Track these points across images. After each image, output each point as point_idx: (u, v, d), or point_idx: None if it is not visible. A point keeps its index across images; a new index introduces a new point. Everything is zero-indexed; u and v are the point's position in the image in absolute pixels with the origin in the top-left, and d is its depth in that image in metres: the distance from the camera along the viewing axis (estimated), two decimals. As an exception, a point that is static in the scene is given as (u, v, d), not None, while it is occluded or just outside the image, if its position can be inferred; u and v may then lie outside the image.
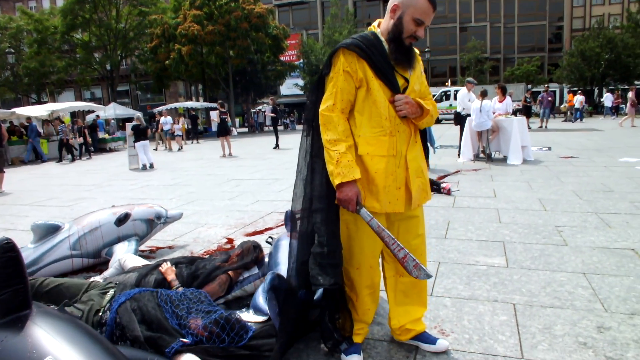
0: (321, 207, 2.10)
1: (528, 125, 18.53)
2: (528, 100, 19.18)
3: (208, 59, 30.70)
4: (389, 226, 2.18)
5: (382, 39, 2.05)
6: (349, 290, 2.23)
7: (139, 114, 15.14)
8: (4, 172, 9.79)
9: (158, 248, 4.46)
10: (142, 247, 4.43)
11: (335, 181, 1.95)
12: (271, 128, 19.22)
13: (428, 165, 8.20)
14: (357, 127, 2.05)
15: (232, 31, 28.90)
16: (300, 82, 37.54)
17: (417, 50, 2.21)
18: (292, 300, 2.20)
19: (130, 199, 7.44)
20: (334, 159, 1.96)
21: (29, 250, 3.80)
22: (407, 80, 2.05)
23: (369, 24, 2.34)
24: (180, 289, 2.84)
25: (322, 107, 2.04)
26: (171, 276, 3.01)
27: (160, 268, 3.12)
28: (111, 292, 2.77)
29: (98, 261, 3.98)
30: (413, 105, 2.03)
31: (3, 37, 32.25)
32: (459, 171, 8.08)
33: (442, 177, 7.39)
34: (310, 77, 35.83)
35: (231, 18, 28.60)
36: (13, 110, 19.62)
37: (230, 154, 14.41)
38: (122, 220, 4.06)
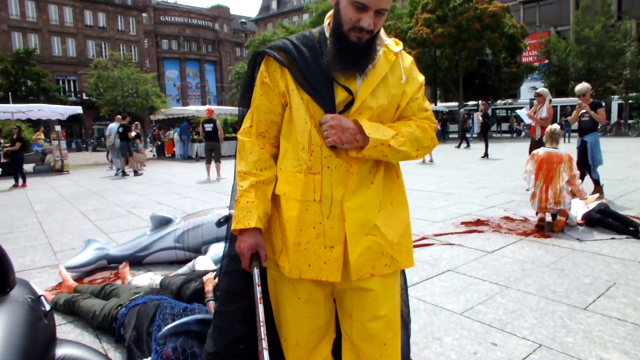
0: (226, 254, 1.63)
1: None
2: None
3: (440, 63, 30.38)
4: (339, 295, 1.53)
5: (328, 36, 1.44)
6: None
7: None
8: (220, 162, 11.52)
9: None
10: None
11: (232, 226, 1.46)
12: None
13: (601, 192, 6.18)
14: (280, 158, 1.50)
15: (463, 32, 27.73)
16: (540, 85, 33.44)
17: (395, 44, 1.48)
18: None
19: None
20: (236, 197, 1.48)
21: (145, 236, 4.24)
22: (350, 93, 1.38)
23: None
24: (213, 303, 2.77)
25: (241, 128, 1.56)
26: (208, 287, 2.92)
27: (203, 277, 3.06)
28: (140, 293, 2.86)
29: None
30: (344, 130, 1.35)
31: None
32: (700, 209, 5.74)
33: (663, 216, 5.35)
34: (553, 78, 31.59)
35: (463, 19, 27.42)
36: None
37: (431, 161, 13.79)
38: (222, 222, 4.12)
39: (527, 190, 6.43)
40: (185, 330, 1.98)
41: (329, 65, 1.37)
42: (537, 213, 4.96)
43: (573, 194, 5.15)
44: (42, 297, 2.26)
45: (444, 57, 30.21)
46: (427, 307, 2.98)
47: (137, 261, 4.12)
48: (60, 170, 15.23)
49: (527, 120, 7.67)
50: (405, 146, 1.42)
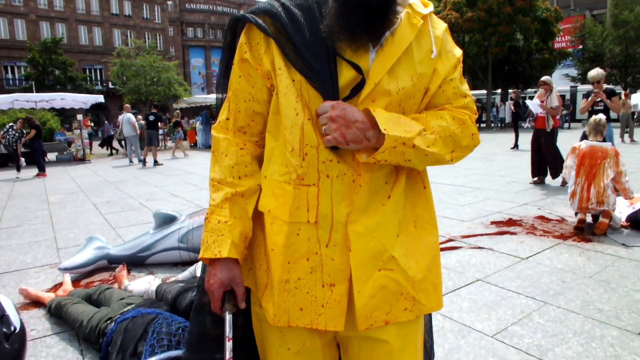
0: (199, 284, 1.30)
1: None
2: None
3: (469, 49, 29.40)
4: (343, 342, 1.17)
5: None
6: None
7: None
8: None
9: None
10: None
11: (200, 253, 1.12)
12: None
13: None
14: (265, 162, 1.13)
15: (493, 17, 26.67)
16: (573, 72, 32.01)
17: (422, 5, 1.09)
18: None
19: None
20: (206, 215, 1.14)
21: (147, 235, 3.97)
22: (360, 71, 0.99)
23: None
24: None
25: (216, 121, 1.21)
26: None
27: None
28: (129, 307, 2.58)
29: (205, 258, 3.86)
30: (350, 124, 0.97)
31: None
32: None
33: None
34: (587, 65, 30.21)
35: (493, 2, 26.36)
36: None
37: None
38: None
39: (564, 185, 5.95)
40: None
41: (331, 32, 0.98)
42: (576, 213, 4.48)
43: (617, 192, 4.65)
44: (8, 316, 1.99)
45: (472, 42, 29.19)
46: (454, 327, 2.60)
47: (139, 262, 3.86)
48: (82, 160, 15.27)
49: (537, 111, 7.25)
50: (436, 146, 1.03)
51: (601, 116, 4.58)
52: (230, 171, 1.12)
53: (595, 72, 6.47)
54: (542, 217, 5.03)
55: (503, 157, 11.83)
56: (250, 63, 1.09)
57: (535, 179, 7.31)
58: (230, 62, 1.17)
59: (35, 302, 3.23)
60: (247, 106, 1.12)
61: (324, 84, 0.99)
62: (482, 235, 4.40)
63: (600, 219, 4.26)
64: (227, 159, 1.13)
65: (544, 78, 7.23)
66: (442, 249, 3.97)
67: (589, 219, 4.57)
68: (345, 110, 0.97)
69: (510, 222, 4.85)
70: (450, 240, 4.27)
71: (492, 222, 4.87)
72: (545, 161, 7.19)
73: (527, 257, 3.73)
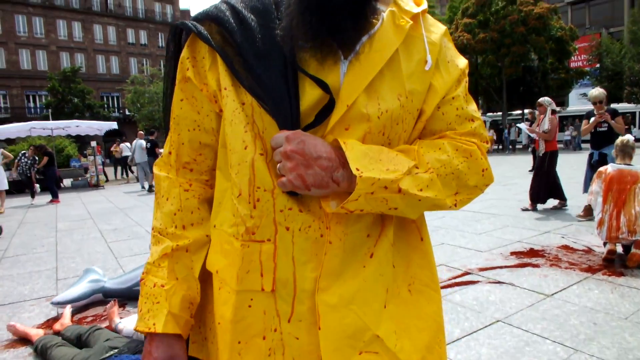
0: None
1: None
2: None
3: (482, 70, 29.23)
4: None
5: None
6: None
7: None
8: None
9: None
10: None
11: (135, 324, 0.90)
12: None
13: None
14: (216, 206, 0.90)
15: (506, 37, 26.52)
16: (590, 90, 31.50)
17: (413, 3, 0.88)
18: None
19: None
20: (142, 274, 0.92)
21: (142, 268, 3.77)
22: (327, 90, 0.76)
23: None
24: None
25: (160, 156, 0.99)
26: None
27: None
28: (112, 352, 2.38)
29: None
30: (310, 162, 0.73)
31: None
32: None
33: None
34: (606, 84, 29.72)
35: (506, 23, 26.24)
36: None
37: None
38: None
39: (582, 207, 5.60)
40: None
41: (289, 39, 0.75)
42: (605, 243, 4.15)
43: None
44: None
45: (486, 64, 29.00)
46: (472, 379, 2.31)
47: (135, 296, 3.65)
48: (96, 186, 15.30)
49: (531, 134, 7.15)
50: (432, 189, 0.79)
51: (629, 137, 4.29)
52: (172, 219, 0.90)
53: (597, 91, 6.21)
54: (566, 247, 4.70)
55: (520, 180, 11.43)
56: (193, 83, 0.87)
57: (556, 203, 6.98)
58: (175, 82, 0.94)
59: (22, 340, 3.07)
60: (192, 137, 0.90)
61: (280, 107, 0.76)
62: (501, 267, 4.09)
63: (633, 249, 3.92)
64: (169, 204, 0.91)
65: (540, 100, 6.98)
66: (458, 284, 3.69)
67: (619, 249, 4.22)
68: (305, 143, 0.73)
69: (532, 253, 4.53)
70: (466, 273, 3.97)
71: (512, 253, 4.56)
72: (556, 185, 6.87)
73: (552, 294, 3.41)
